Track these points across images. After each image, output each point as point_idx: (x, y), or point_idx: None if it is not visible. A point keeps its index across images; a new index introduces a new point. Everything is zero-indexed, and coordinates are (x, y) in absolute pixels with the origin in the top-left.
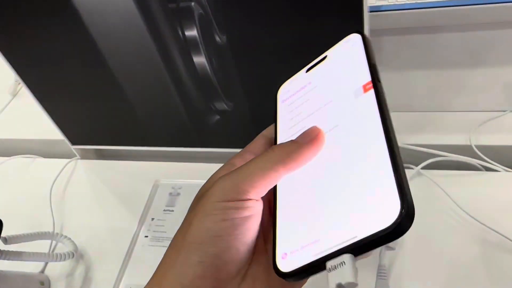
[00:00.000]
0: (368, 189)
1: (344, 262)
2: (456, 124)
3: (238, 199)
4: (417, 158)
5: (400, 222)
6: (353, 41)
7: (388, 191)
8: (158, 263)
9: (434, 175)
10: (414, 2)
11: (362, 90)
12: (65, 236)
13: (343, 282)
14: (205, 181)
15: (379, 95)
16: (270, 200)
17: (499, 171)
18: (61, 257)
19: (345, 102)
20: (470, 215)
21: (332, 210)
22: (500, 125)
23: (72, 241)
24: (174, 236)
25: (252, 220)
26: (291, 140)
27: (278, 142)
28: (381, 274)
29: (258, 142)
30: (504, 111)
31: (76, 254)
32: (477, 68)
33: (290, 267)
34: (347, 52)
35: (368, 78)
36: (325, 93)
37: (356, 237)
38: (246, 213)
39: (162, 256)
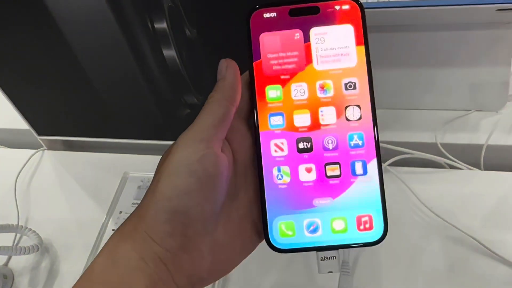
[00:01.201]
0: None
1: (335, 256)
2: (423, 122)
3: (201, 151)
4: (385, 154)
5: (380, 241)
6: (349, 6)
7: (378, 216)
8: (130, 215)
9: (400, 172)
10: (383, 0)
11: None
12: (30, 229)
13: (333, 272)
14: None
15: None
16: (236, 160)
17: (463, 169)
18: (26, 251)
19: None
20: (433, 212)
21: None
22: (465, 124)
23: (37, 234)
24: (145, 193)
25: (217, 177)
26: (221, 79)
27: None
28: (345, 269)
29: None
30: (469, 110)
31: (41, 248)
32: (445, 68)
33: (285, 244)
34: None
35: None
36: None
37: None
38: (209, 167)
39: (135, 209)
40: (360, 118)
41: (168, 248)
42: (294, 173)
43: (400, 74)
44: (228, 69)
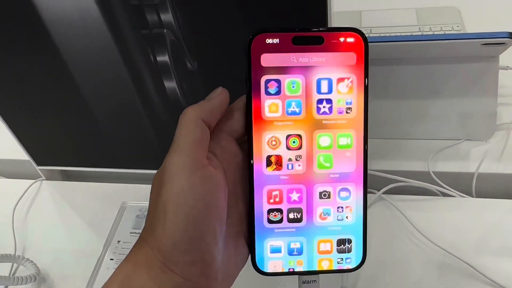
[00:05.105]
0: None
1: (315, 280)
2: (415, 151)
3: (198, 172)
4: (379, 183)
5: (358, 268)
6: (354, 39)
7: (358, 245)
8: (137, 245)
9: (395, 200)
10: (377, 35)
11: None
12: (27, 259)
13: None
14: None
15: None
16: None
17: (455, 196)
18: (22, 281)
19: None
20: (427, 238)
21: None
22: (456, 153)
23: (35, 264)
24: (150, 223)
25: (218, 194)
26: (207, 99)
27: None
28: None
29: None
30: (459, 139)
31: (38, 278)
32: (435, 99)
33: (270, 270)
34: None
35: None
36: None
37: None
38: (211, 186)
39: (142, 239)
40: (353, 171)
41: (189, 277)
42: (284, 215)
43: (393, 105)
44: (219, 96)
